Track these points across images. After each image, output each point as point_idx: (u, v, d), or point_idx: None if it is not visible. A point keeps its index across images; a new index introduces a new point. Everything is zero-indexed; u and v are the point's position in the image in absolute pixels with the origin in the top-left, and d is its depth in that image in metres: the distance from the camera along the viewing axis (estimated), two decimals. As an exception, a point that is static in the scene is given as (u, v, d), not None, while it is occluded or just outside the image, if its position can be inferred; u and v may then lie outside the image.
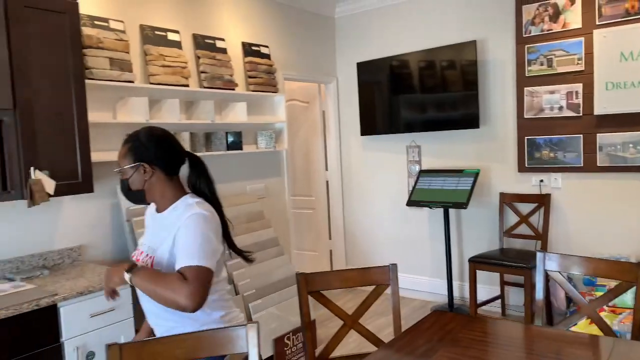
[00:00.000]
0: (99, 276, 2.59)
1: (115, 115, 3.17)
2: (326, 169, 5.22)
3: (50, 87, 2.56)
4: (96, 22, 3.05)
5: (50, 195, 2.50)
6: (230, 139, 3.78)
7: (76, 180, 2.66)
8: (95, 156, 2.87)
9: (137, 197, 1.65)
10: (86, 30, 2.93)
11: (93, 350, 2.39)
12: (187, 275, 1.46)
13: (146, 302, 1.65)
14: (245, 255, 1.80)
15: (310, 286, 1.88)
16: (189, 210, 1.55)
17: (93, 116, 2.95)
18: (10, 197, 2.45)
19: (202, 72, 3.67)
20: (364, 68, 4.79)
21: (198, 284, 1.44)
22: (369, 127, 4.81)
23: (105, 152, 3.05)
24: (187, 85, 3.50)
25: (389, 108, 4.66)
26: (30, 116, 2.48)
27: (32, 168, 2.46)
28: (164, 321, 1.62)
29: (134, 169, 1.59)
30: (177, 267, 1.49)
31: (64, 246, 2.93)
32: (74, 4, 2.67)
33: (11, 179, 2.43)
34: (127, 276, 1.54)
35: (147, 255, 1.63)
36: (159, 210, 1.67)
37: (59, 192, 2.56)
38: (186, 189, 1.71)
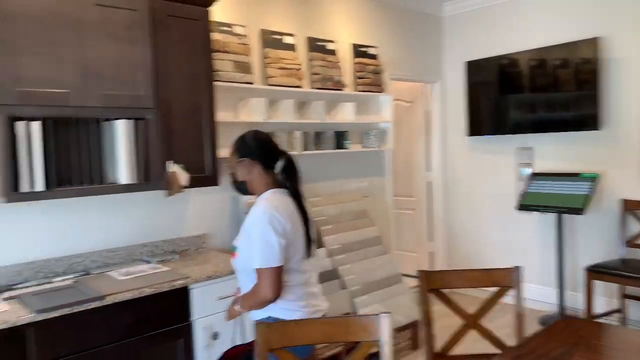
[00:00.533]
0: (223, 262, 2.80)
1: (237, 115, 3.40)
2: (428, 170, 5.18)
3: (185, 88, 2.81)
4: (222, 28, 3.29)
5: (183, 187, 2.75)
6: (338, 138, 3.89)
7: (204, 174, 2.89)
8: (220, 152, 3.09)
9: (242, 188, 1.99)
10: (214, 36, 3.17)
11: (218, 331, 2.59)
12: (259, 277, 1.82)
13: (242, 286, 1.98)
14: (309, 249, 1.96)
15: (431, 284, 1.91)
16: (255, 206, 1.87)
17: (218, 115, 3.18)
18: (150, 187, 2.72)
19: (314, 73, 3.81)
20: (472, 67, 4.70)
21: (267, 283, 1.79)
22: (476, 127, 4.71)
23: (228, 148, 3.27)
24: (300, 87, 3.66)
25: (498, 108, 4.52)
26: (169, 115, 2.75)
27: (169, 161, 2.72)
28: None
29: (239, 163, 1.92)
30: (252, 266, 1.84)
31: (190, 234, 3.20)
32: (207, 11, 2.90)
33: (152, 170, 2.70)
34: (237, 307, 1.98)
35: (234, 241, 1.98)
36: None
37: (190, 184, 2.80)
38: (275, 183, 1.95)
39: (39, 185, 2.32)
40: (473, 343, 2.38)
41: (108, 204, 2.85)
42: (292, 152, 3.56)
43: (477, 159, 4.86)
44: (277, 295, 1.81)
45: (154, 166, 2.70)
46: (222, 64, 3.19)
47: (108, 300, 2.24)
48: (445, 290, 1.86)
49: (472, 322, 1.90)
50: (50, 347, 2.11)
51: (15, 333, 2.02)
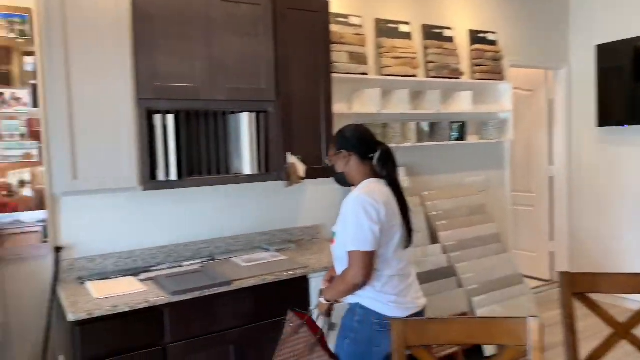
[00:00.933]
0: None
1: (351, 106, 3.38)
2: (550, 164, 4.79)
3: (303, 80, 2.83)
4: (338, 19, 3.27)
5: (301, 178, 2.78)
6: (454, 129, 3.72)
7: (320, 165, 2.90)
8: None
9: (341, 179, 2.05)
10: (331, 27, 3.16)
11: (335, 322, 2.58)
12: (349, 260, 1.84)
13: (338, 267, 1.99)
14: (409, 238, 1.94)
15: (575, 287, 1.73)
16: (352, 193, 1.89)
17: (333, 107, 3.18)
18: (271, 178, 2.79)
19: (430, 62, 3.67)
20: (603, 51, 4.25)
21: (357, 266, 1.81)
22: (607, 116, 4.26)
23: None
24: (415, 76, 3.55)
25: (633, 95, 4.05)
26: (288, 107, 2.79)
27: (288, 153, 2.77)
28: None
29: (337, 155, 2.00)
30: (345, 250, 1.85)
31: (305, 224, 3.24)
32: (326, 3, 2.90)
33: (272, 162, 2.76)
34: (321, 299, 2.00)
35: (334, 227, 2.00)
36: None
37: (307, 175, 2.83)
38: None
39: (173, 175, 2.46)
40: (625, 357, 2.15)
41: (231, 193, 2.97)
42: (406, 144, 3.51)
43: (608, 151, 4.39)
44: (366, 279, 1.82)
45: (274, 157, 2.75)
46: (338, 55, 3.18)
47: (234, 286, 2.33)
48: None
49: (622, 331, 1.69)
50: (184, 327, 2.24)
51: (154, 312, 2.17)
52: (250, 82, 2.65)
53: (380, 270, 1.88)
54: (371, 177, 1.95)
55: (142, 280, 2.40)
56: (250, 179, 2.71)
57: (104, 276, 2.49)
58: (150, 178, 2.43)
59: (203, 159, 2.61)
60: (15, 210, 2.37)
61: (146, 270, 2.59)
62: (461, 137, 3.77)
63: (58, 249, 2.47)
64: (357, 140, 1.97)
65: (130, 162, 2.36)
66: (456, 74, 3.77)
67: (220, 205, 2.95)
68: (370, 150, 1.96)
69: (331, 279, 2.06)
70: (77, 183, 2.25)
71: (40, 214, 2.43)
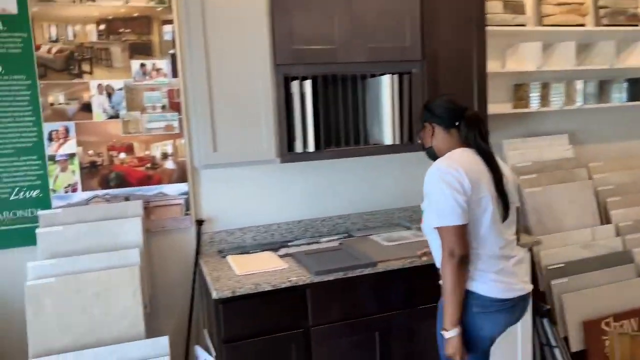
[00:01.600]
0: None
1: (504, 64, 2.93)
2: None
3: (453, 35, 2.46)
4: (490, -37, 2.81)
5: (450, 148, 2.45)
6: (632, 87, 3.08)
7: (472, 133, 2.54)
8: (490, 109, 2.69)
9: (431, 154, 1.89)
10: (482, -28, 2.73)
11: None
12: (441, 239, 1.69)
13: (433, 250, 1.86)
14: (505, 213, 1.74)
15: None
16: (432, 166, 1.74)
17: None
18: (413, 149, 2.48)
19: (602, 7, 3.06)
20: None
21: (449, 242, 1.66)
22: None
23: (493, 104, 2.84)
24: (583, 25, 2.97)
25: None
26: (435, 67, 2.45)
27: (435, 120, 2.44)
28: (437, 263, 1.83)
29: (422, 130, 1.90)
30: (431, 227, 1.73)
31: (450, 200, 2.91)
32: (479, -58, 2.47)
33: (416, 130, 2.46)
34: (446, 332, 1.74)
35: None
36: None
37: (455, 144, 2.49)
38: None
39: (311, 146, 2.28)
40: None
41: (369, 165, 2.74)
42: (570, 107, 2.98)
43: None
44: (462, 252, 1.65)
45: (418, 125, 2.44)
46: (491, 5, 2.73)
47: (380, 267, 2.12)
48: None
49: None
50: (326, 310, 2.09)
51: (296, 291, 2.03)
52: (393, 40, 2.35)
53: (478, 249, 1.72)
54: (459, 147, 1.79)
55: (281, 257, 2.29)
56: (391, 149, 2.44)
57: (244, 250, 2.42)
58: (287, 150, 2.28)
59: (340, 128, 2.39)
60: (159, 182, 2.37)
61: (284, 245, 2.48)
62: (637, 97, 3.12)
63: (200, 222, 2.44)
64: (440, 109, 1.85)
65: (269, 133, 2.22)
66: (635, 20, 3.10)
67: (357, 178, 2.73)
68: (455, 118, 1.81)
69: (424, 254, 2.10)
70: (217, 155, 2.16)
71: (182, 187, 2.40)
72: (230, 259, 2.29)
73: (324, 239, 2.55)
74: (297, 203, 2.63)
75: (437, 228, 1.69)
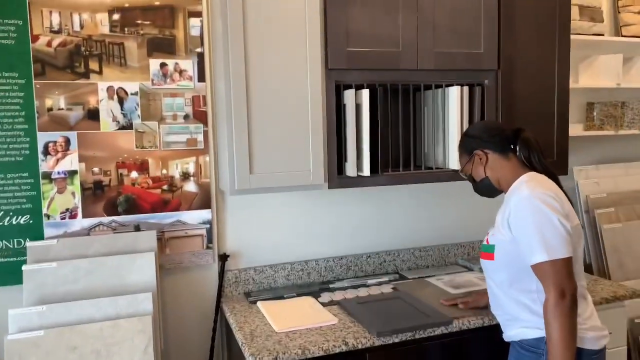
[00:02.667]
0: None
1: (577, 78, 2.53)
2: None
3: (532, 40, 2.07)
4: (564, -38, 2.43)
5: (529, 176, 2.03)
6: None
7: (551, 158, 2.13)
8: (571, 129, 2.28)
9: (487, 187, 1.60)
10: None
11: None
12: (544, 279, 1.37)
13: (497, 296, 1.54)
14: None
15: None
16: (516, 193, 1.46)
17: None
18: (482, 175, 2.08)
19: (685, 17, 2.68)
20: None
21: (559, 280, 1.34)
22: None
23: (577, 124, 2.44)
24: (665, 37, 2.59)
25: None
26: (511, 77, 2.05)
27: (510, 141, 2.03)
28: (502, 313, 1.54)
29: (470, 161, 1.60)
30: (530, 264, 1.39)
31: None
32: None
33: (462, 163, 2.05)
34: None
35: (487, 239, 1.55)
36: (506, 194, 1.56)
37: (531, 171, 2.07)
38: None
39: (366, 169, 1.86)
40: None
41: (423, 193, 2.32)
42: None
43: None
44: (573, 291, 1.35)
45: (463, 158, 2.04)
46: (567, 9, 2.35)
47: (454, 326, 1.68)
48: None
49: None
50: (388, 380, 1.65)
51: (354, 356, 1.59)
52: (466, 44, 1.96)
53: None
54: (525, 171, 1.52)
55: (325, 305, 1.86)
56: (458, 175, 2.03)
57: (276, 293, 1.99)
58: (338, 172, 1.86)
59: (400, 148, 1.99)
60: (177, 208, 1.94)
61: (324, 287, 2.05)
62: None
63: (224, 257, 2.01)
64: (485, 133, 1.58)
65: (317, 152, 1.80)
66: None
67: (411, 208, 2.31)
68: (507, 139, 1.56)
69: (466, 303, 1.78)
70: (253, 179, 1.74)
71: (204, 214, 1.98)
72: (262, 306, 1.86)
73: (372, 281, 2.12)
74: (340, 235, 2.21)
75: (541, 265, 1.35)
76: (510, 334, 1.51)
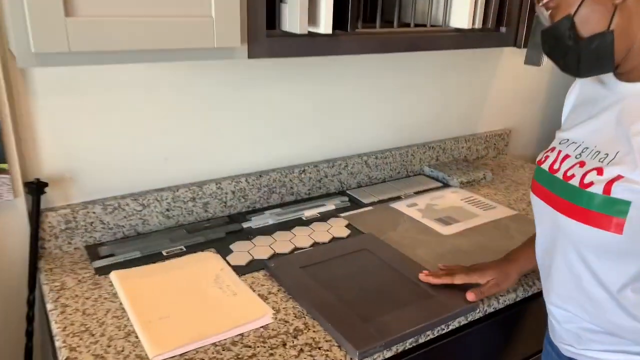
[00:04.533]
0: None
1: None
2: None
3: None
4: None
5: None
6: None
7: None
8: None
9: (595, 56, 0.73)
10: None
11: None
12: None
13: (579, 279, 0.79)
14: None
15: None
16: None
17: None
18: (503, 40, 1.29)
19: None
20: None
21: None
22: None
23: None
24: None
25: None
26: None
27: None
28: (594, 320, 0.80)
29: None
30: None
31: (491, 129, 1.80)
32: None
33: (512, 10, 1.24)
34: None
35: (577, 162, 0.77)
36: (624, 77, 0.77)
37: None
38: None
39: (323, 24, 0.94)
40: None
41: (378, 70, 1.46)
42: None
43: None
44: None
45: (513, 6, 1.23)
46: None
47: (478, 312, 0.97)
48: None
49: None
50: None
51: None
52: None
53: None
54: None
55: (239, 270, 1.03)
56: (465, 41, 1.20)
57: (149, 249, 1.10)
58: (267, 27, 0.92)
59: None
60: None
61: (235, 229, 1.20)
62: None
63: (38, 187, 1.03)
64: None
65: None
66: None
67: (359, 94, 1.46)
68: None
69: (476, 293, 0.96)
70: (74, 28, 0.73)
71: (-20, 104, 0.94)
72: (120, 281, 0.97)
73: (310, 212, 1.31)
74: (258, 140, 1.31)
75: None
76: (601, 357, 0.82)
